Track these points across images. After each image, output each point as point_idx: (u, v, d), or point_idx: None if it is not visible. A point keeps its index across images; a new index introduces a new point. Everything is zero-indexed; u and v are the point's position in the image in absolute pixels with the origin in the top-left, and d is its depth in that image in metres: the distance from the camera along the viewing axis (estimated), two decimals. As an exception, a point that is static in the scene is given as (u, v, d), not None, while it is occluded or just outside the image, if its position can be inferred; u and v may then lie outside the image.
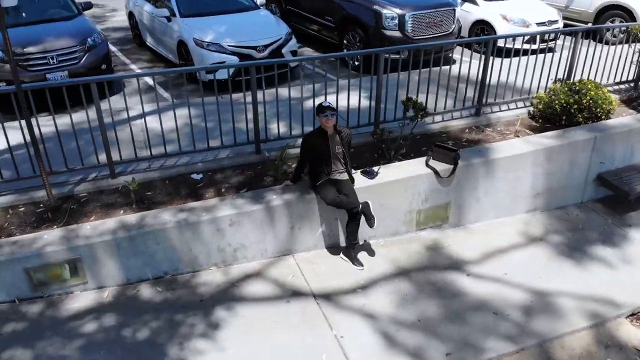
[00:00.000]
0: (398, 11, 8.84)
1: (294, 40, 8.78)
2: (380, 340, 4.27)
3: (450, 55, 9.37)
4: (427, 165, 5.49)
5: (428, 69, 6.25)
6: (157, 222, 4.58)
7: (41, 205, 5.00)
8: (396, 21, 8.81)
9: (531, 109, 6.92)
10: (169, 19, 8.84)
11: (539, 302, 4.76)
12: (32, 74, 7.14)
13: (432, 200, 5.58)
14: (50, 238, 4.37)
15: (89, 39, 7.71)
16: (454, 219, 5.82)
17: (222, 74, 7.21)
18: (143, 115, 5.52)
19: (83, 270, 4.41)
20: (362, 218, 4.93)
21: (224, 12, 9.06)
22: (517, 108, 7.10)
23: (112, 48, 10.78)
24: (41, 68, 7.22)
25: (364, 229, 5.15)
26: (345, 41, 9.45)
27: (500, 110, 7.05)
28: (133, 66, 9.67)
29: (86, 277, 4.47)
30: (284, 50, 8.53)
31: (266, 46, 8.32)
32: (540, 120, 6.73)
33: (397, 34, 8.85)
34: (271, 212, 4.90)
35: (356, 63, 9.01)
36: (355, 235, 5.04)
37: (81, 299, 4.46)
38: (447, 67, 8.17)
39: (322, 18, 9.98)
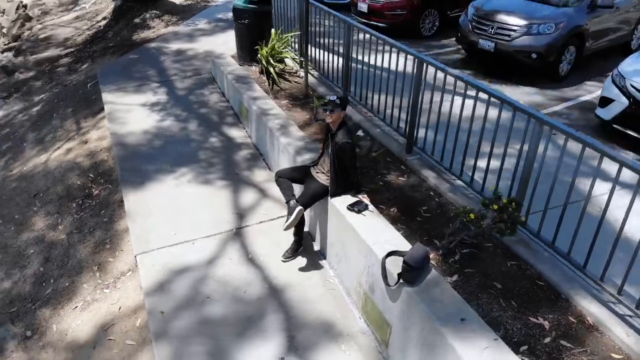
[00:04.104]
0: None
1: None
2: (192, 278, 4.68)
3: None
4: (385, 257, 3.82)
5: None
6: (268, 114, 6.29)
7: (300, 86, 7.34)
8: None
9: None
10: None
11: None
12: (475, 36, 8.26)
13: (378, 299, 4.02)
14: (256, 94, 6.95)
15: (538, 27, 7.69)
16: (396, 357, 3.89)
17: (607, 113, 6.42)
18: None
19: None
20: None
21: None
22: None
23: None
24: (481, 33, 8.17)
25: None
26: None
27: None
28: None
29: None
30: None
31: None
32: None
33: None
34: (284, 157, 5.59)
35: None
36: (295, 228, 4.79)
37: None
38: None
39: None
